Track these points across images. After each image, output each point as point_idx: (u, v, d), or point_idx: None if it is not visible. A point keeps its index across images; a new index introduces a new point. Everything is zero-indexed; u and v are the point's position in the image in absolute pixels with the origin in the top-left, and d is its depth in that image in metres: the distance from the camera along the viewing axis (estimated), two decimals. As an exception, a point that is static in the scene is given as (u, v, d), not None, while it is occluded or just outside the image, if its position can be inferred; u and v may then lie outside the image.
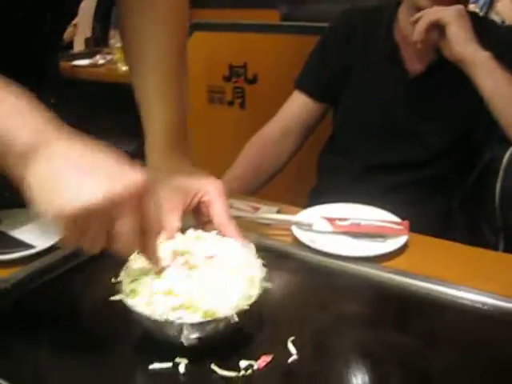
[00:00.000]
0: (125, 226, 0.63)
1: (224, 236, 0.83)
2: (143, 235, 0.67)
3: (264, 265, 0.77)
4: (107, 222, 0.63)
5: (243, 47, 1.96)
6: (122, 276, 0.75)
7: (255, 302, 0.72)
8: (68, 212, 0.60)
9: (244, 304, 0.71)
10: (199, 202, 0.90)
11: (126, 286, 0.73)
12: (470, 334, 0.78)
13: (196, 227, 0.87)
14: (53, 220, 0.61)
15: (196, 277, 0.72)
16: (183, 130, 0.97)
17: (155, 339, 0.71)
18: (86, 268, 0.89)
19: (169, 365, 0.69)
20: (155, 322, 0.68)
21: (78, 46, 3.91)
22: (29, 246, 0.94)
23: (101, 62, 3.21)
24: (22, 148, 0.62)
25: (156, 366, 0.69)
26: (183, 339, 0.69)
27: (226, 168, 1.46)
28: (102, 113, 2.87)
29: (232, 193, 1.25)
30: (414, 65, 1.29)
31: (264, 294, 0.74)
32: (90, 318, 0.80)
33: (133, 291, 0.72)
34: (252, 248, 0.80)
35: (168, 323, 0.68)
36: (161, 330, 0.69)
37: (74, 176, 0.61)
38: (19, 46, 0.97)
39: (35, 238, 0.96)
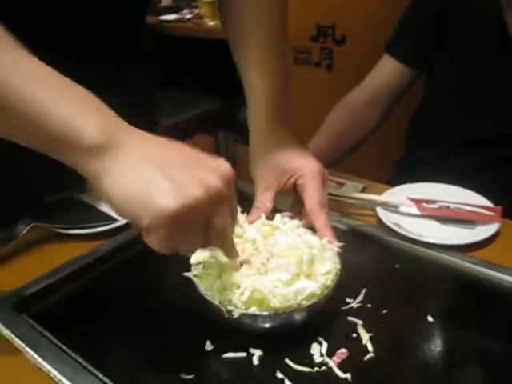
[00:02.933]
0: (221, 219, 0.59)
1: (313, 224, 0.80)
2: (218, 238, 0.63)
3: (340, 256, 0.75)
4: (206, 218, 0.58)
5: (331, 6, 1.88)
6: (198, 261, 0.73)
7: (327, 295, 0.70)
8: (169, 212, 0.54)
9: (316, 297, 0.69)
10: (295, 185, 0.85)
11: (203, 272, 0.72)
12: None
13: (293, 211, 0.85)
14: (148, 225, 0.55)
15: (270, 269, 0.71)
16: (286, 103, 0.91)
17: (230, 326, 0.70)
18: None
19: (243, 355, 0.69)
20: (229, 312, 0.67)
21: (165, -1, 3.89)
22: (111, 220, 0.95)
23: (188, 16, 3.19)
24: (93, 141, 0.55)
25: (230, 355, 0.69)
26: (256, 328, 0.68)
27: (311, 134, 1.42)
28: (187, 69, 2.88)
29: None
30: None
31: (339, 281, 0.71)
32: (167, 299, 0.80)
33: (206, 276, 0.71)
34: (333, 250, 0.76)
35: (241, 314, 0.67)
36: (234, 319, 0.68)
37: (164, 173, 0.55)
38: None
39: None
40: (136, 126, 0.59)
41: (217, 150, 1.10)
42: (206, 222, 0.58)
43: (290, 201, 0.88)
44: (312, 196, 0.81)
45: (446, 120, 1.30)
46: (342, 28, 1.88)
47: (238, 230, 0.75)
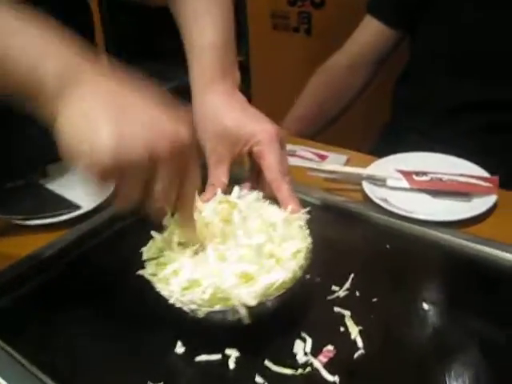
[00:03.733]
0: (163, 183, 0.56)
1: (275, 195, 0.73)
2: (181, 196, 0.59)
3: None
4: (144, 176, 0.55)
5: (309, -34, 1.79)
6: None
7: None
8: (103, 161, 0.51)
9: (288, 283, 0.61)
10: (251, 152, 0.77)
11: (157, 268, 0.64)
12: None
13: (251, 181, 0.78)
14: (85, 169, 0.53)
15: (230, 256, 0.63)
16: (232, 60, 0.84)
17: (201, 325, 0.62)
18: (134, 230, 0.79)
19: (218, 357, 0.61)
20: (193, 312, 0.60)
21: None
22: (74, 207, 0.88)
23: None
24: (51, 86, 0.54)
25: (203, 357, 0.61)
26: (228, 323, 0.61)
27: (291, 103, 1.34)
28: (155, 38, 2.78)
29: (294, 136, 1.15)
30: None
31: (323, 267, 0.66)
32: (134, 295, 0.71)
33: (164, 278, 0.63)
34: (301, 218, 0.69)
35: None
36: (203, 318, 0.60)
37: (111, 119, 0.53)
38: None
39: (81, 195, 0.88)
40: None
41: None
42: (145, 180, 0.55)
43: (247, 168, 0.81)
44: (271, 164, 0.74)
45: (432, 85, 1.22)
46: (320, -11, 1.79)
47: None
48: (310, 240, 0.66)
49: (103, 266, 0.78)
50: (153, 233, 0.67)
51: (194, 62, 0.82)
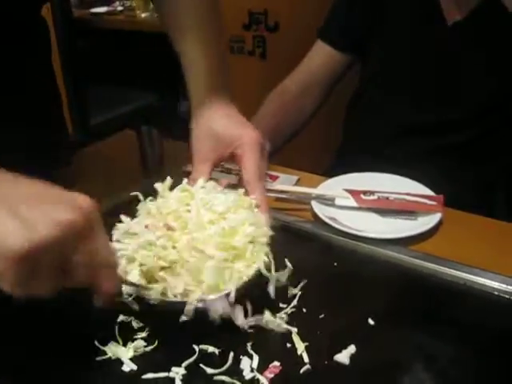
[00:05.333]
0: (82, 255, 0.54)
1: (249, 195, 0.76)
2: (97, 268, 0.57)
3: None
4: (64, 255, 0.53)
5: (263, -9, 1.82)
6: None
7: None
8: (17, 254, 0.49)
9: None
10: (233, 154, 0.82)
11: None
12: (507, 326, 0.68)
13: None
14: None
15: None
16: (225, 78, 0.90)
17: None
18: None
19: (164, 374, 0.61)
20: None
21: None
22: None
23: (119, 8, 3.08)
24: None
25: (150, 375, 0.61)
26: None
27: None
28: (120, 63, 2.78)
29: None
30: (453, 11, 1.13)
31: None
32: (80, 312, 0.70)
33: None
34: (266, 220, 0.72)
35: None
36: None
37: (13, 213, 0.50)
38: None
39: None
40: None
41: (141, 147, 1.02)
42: (65, 260, 0.53)
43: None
44: (249, 166, 0.79)
45: (380, 107, 1.25)
46: (274, 14, 1.82)
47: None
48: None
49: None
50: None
51: (193, 77, 0.88)
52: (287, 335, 0.65)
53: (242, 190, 0.76)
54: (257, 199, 0.76)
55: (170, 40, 0.91)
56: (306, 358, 0.62)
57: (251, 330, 0.65)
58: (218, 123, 0.83)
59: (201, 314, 0.63)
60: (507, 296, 0.72)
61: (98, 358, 0.63)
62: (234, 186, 0.80)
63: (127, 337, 0.65)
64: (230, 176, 0.92)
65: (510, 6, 1.02)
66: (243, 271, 0.66)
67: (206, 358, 0.62)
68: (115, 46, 2.90)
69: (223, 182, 0.80)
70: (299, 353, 0.63)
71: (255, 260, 0.67)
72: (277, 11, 1.81)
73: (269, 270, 0.67)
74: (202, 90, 0.87)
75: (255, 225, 0.69)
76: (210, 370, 0.61)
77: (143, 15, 2.83)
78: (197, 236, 0.66)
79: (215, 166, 0.84)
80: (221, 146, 0.82)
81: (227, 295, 0.63)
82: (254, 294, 0.67)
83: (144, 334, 0.66)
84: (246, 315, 0.65)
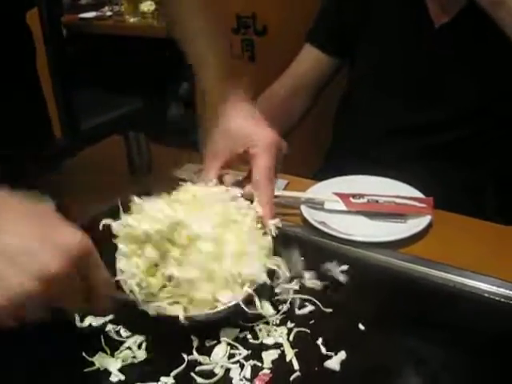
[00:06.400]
0: (71, 299, 0.56)
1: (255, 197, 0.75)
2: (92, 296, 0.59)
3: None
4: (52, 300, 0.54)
5: (251, -5, 1.82)
6: None
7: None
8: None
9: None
10: (247, 153, 0.79)
11: None
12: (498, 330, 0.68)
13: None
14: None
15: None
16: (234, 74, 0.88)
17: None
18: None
19: (153, 385, 0.60)
20: None
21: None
22: None
23: (108, 13, 3.07)
24: None
25: (139, 386, 0.60)
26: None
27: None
28: (109, 68, 2.77)
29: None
30: (440, 13, 1.13)
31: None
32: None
33: None
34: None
35: None
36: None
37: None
38: None
39: None
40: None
41: (128, 152, 1.02)
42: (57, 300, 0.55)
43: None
44: (261, 166, 0.77)
45: (371, 109, 1.24)
46: (262, 18, 1.82)
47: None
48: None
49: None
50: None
51: (206, 75, 0.86)
52: (277, 342, 0.65)
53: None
54: (262, 201, 0.75)
55: (178, 42, 0.90)
56: (296, 365, 0.61)
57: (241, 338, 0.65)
58: (233, 121, 0.81)
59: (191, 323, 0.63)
60: (497, 298, 0.71)
61: (86, 370, 0.62)
62: (238, 184, 0.79)
63: (115, 347, 0.64)
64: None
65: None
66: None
67: (195, 367, 0.62)
68: (104, 51, 2.89)
69: (227, 179, 0.79)
70: (289, 360, 0.62)
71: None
72: (265, 15, 1.81)
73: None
74: (217, 89, 0.85)
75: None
76: (199, 380, 0.60)
77: (132, 20, 2.83)
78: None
79: (228, 166, 0.82)
80: (235, 144, 0.80)
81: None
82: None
83: (132, 344, 0.65)
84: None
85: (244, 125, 0.80)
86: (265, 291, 0.69)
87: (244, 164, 0.81)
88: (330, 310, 0.70)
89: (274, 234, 0.73)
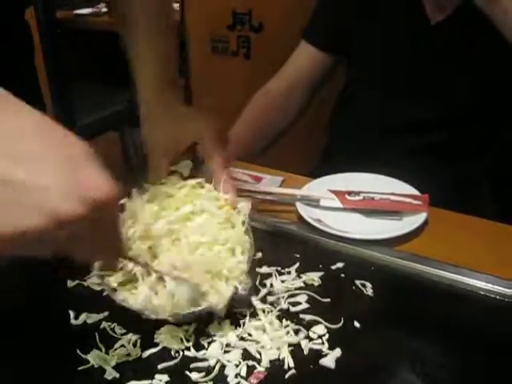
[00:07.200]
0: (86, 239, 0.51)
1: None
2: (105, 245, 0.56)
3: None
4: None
5: (247, -9, 1.81)
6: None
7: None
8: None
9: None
10: (194, 147, 0.81)
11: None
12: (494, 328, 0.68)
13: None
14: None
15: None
16: (173, 77, 0.91)
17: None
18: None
19: (148, 382, 0.60)
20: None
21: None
22: None
23: (104, 10, 3.06)
24: None
25: (133, 383, 0.60)
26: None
27: (230, 125, 1.34)
28: (104, 64, 2.76)
29: (232, 158, 1.15)
30: (436, 11, 1.13)
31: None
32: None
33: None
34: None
35: None
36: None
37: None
38: None
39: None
40: None
41: (124, 148, 1.01)
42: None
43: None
44: (213, 156, 0.78)
45: (369, 107, 1.24)
46: (258, 14, 1.81)
47: None
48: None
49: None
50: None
51: (143, 76, 0.86)
52: (271, 339, 0.64)
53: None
54: (224, 187, 0.76)
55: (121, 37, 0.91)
56: (291, 363, 0.61)
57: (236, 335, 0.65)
58: (174, 121, 0.82)
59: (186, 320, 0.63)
60: (493, 295, 0.71)
61: (81, 368, 0.62)
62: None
63: (110, 344, 0.64)
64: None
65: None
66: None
67: (190, 364, 0.61)
68: (99, 48, 2.88)
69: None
70: (284, 357, 0.62)
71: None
72: (261, 11, 1.80)
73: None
74: (153, 91, 0.85)
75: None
76: (194, 376, 0.60)
77: (127, 16, 2.82)
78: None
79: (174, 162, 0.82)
80: (180, 140, 0.81)
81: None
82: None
83: (127, 342, 0.65)
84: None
85: (185, 122, 0.82)
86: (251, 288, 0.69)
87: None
88: (325, 308, 0.69)
89: (247, 215, 0.73)
